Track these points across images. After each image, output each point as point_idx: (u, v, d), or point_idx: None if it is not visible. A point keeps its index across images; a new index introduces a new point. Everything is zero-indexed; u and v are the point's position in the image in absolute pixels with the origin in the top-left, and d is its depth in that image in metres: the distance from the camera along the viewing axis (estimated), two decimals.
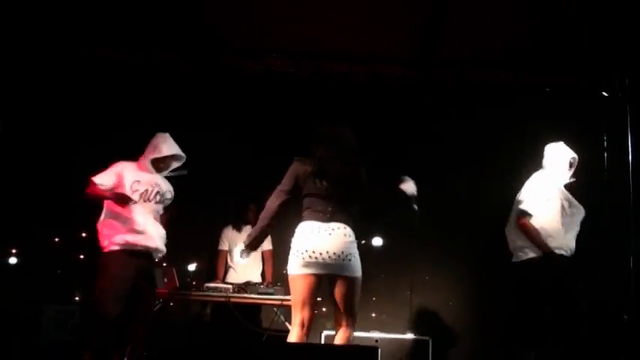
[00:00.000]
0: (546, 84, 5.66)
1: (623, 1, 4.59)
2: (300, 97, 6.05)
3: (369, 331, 5.19)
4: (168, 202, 4.54)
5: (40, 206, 5.82)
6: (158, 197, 4.43)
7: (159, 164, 4.48)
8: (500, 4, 4.78)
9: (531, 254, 4.49)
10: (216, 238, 5.82)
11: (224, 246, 5.79)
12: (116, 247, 4.25)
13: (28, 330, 5.43)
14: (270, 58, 5.63)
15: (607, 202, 5.57)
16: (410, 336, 5.27)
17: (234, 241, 5.77)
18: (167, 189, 4.52)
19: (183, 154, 4.52)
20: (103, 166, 4.48)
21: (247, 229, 5.76)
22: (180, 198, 4.68)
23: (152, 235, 4.35)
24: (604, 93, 5.58)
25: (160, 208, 4.47)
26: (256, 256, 5.76)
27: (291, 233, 3.66)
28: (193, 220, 5.79)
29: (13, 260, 6.01)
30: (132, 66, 5.58)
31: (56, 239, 6.03)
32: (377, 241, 6.08)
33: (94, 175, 4.29)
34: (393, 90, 5.89)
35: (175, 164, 4.56)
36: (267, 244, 5.76)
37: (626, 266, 5.32)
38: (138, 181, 4.36)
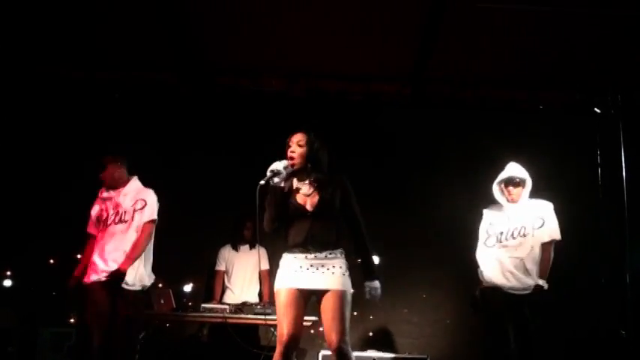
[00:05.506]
0: (539, 101, 5.69)
1: (615, 18, 4.64)
2: (296, 116, 6.06)
3: (366, 351, 5.17)
4: (146, 210, 4.46)
5: (35, 228, 5.80)
6: (118, 218, 4.45)
7: (114, 182, 4.54)
8: (492, 22, 4.82)
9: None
10: (213, 259, 5.80)
11: (221, 266, 5.77)
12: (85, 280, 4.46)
13: (24, 352, 5.39)
14: (265, 77, 5.65)
15: (602, 218, 5.59)
16: (407, 355, 5.26)
17: (230, 261, 5.75)
18: (135, 199, 4.49)
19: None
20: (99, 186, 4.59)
21: (244, 249, 5.76)
22: (178, 219, 4.68)
23: (104, 260, 4.37)
24: (597, 110, 5.62)
25: (127, 225, 4.43)
26: (253, 276, 5.75)
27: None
28: (190, 241, 5.79)
29: (7, 282, 5.98)
30: (129, 87, 5.61)
31: (51, 261, 5.99)
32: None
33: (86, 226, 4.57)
34: (387, 107, 5.93)
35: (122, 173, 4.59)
36: (264, 264, 5.75)
37: (623, 282, 5.33)
38: (100, 210, 4.51)
